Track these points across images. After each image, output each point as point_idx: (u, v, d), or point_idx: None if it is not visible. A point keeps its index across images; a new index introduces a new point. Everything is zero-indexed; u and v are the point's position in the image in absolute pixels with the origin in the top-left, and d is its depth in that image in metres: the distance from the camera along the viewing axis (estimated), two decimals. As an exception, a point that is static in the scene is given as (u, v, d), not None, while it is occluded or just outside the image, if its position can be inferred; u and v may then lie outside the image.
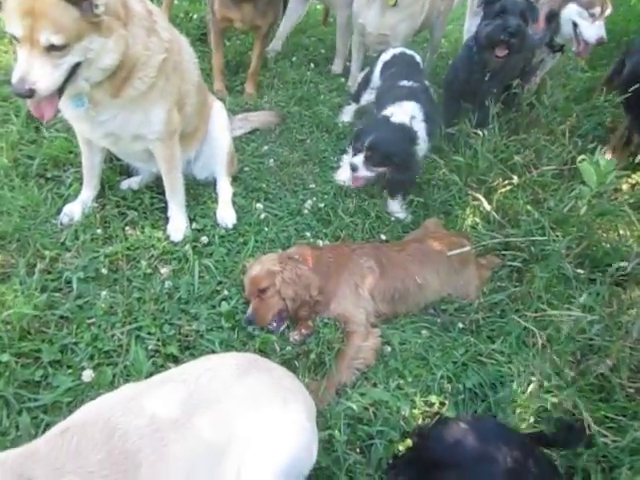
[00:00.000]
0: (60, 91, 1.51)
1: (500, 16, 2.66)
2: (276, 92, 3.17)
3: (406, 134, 2.40)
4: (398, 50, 2.97)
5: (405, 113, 2.46)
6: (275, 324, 1.80)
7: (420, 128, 2.49)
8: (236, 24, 2.88)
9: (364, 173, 2.36)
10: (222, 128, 2.25)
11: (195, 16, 3.63)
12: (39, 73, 1.40)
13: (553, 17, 3.36)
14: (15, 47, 1.45)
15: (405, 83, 2.66)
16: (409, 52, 2.98)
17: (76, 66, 1.49)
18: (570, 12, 3.08)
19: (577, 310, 1.91)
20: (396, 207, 2.56)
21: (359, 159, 2.33)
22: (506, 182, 2.55)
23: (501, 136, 2.82)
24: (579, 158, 2.39)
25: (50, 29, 1.37)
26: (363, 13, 3.12)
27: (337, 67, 3.73)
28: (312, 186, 2.51)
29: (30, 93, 1.41)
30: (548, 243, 2.34)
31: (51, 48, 1.39)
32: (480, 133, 2.71)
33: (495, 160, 2.69)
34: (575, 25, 3.11)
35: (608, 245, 2.46)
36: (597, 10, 3.04)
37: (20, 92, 1.41)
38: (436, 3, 3.49)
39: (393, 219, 2.48)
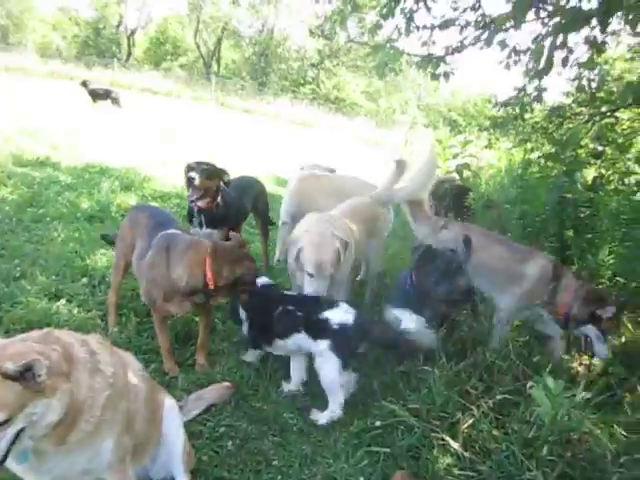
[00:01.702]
0: (4, 456, 1.47)
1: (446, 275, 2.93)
2: (227, 357, 3.23)
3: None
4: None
5: None
6: None
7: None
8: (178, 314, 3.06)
9: None
10: (176, 427, 2.20)
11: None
12: None
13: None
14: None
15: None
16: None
17: (20, 430, 1.47)
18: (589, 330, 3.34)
19: None
20: None
21: None
22: (467, 415, 2.58)
23: (450, 365, 2.92)
24: (529, 384, 2.48)
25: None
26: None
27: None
28: (275, 462, 2.44)
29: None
30: (523, 473, 2.31)
31: (-7, 423, 1.38)
32: (430, 369, 2.82)
33: (451, 393, 2.74)
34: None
35: (585, 463, 2.43)
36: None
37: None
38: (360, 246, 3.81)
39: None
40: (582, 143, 5.60)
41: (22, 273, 3.78)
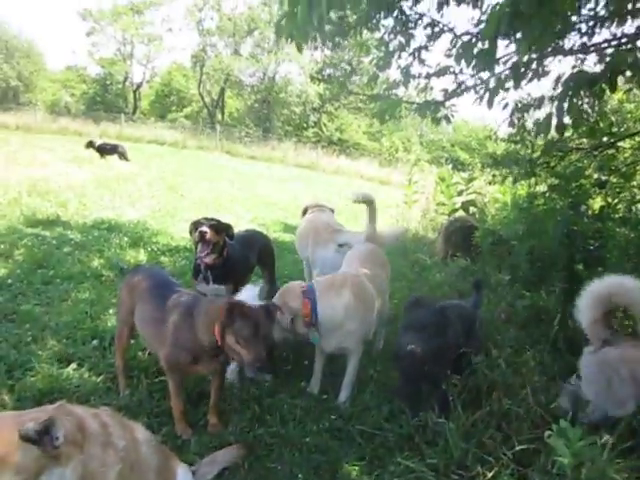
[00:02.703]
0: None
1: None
2: (240, 416, 3.19)
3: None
4: None
5: None
6: None
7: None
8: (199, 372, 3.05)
9: None
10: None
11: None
12: None
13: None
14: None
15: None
16: None
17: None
18: None
19: None
20: None
21: None
22: (486, 468, 2.52)
23: (466, 416, 2.87)
24: (546, 434, 2.42)
25: (10, 473, 1.39)
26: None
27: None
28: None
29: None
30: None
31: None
32: (445, 421, 2.77)
33: (469, 445, 2.68)
34: None
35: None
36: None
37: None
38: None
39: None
40: (586, 173, 5.61)
41: (33, 338, 3.79)
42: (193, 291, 3.47)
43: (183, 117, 40.97)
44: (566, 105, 3.37)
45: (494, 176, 6.10)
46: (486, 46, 2.89)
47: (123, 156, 15.67)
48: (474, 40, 3.16)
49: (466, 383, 3.18)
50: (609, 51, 3.69)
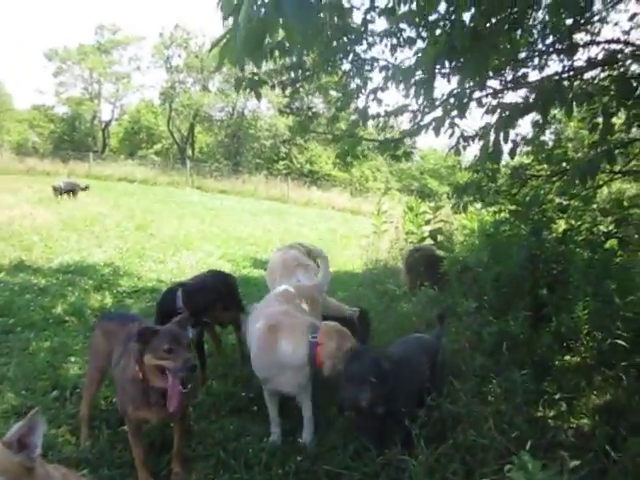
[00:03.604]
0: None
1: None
2: (204, 462, 3.13)
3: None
4: None
5: None
6: None
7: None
8: (154, 421, 2.96)
9: None
10: None
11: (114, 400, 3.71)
12: None
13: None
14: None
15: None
16: None
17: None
18: None
19: None
20: None
21: None
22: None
23: (430, 450, 2.87)
24: (506, 468, 2.44)
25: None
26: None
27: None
28: None
29: None
30: None
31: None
32: (408, 458, 2.76)
33: (434, 481, 2.68)
34: None
35: None
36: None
37: None
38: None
39: None
40: (548, 198, 5.76)
41: (-10, 392, 3.69)
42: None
43: (153, 154, 40.92)
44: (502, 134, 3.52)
45: (454, 205, 6.19)
46: (425, 75, 3.01)
47: (74, 194, 15.41)
48: (413, 69, 3.29)
49: (430, 417, 3.19)
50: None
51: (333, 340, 3.16)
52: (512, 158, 4.41)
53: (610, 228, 4.99)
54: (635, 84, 3.30)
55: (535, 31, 4.57)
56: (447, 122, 3.83)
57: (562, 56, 4.56)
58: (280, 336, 3.24)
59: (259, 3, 1.75)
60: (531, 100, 3.66)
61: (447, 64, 2.89)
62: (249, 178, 30.00)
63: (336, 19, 4.39)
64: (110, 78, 41.98)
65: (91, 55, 40.13)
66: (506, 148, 3.91)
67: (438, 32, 2.95)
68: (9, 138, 40.41)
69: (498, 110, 3.77)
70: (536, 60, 4.60)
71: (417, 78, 3.14)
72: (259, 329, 3.36)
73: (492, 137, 3.87)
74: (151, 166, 30.88)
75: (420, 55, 2.89)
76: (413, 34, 4.39)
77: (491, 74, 4.33)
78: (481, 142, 4.06)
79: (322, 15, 4.42)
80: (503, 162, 5.86)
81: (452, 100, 3.63)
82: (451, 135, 4.26)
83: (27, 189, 16.85)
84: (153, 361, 2.68)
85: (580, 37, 5.01)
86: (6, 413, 3.42)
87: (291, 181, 29.03)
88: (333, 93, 5.28)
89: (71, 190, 15.29)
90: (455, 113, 3.65)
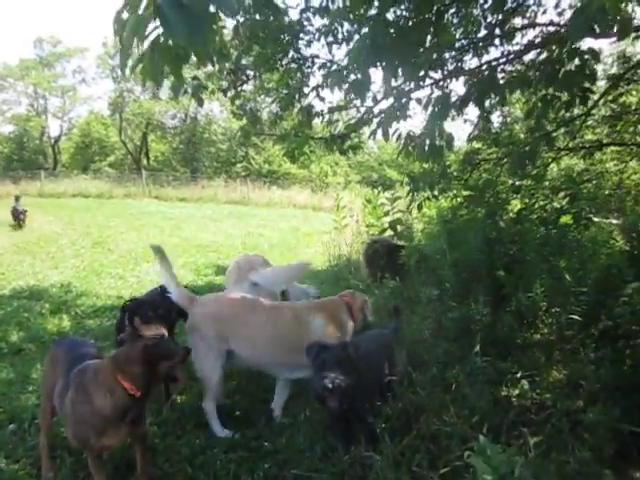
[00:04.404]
0: None
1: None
2: (172, 478, 3.09)
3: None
4: None
5: None
6: None
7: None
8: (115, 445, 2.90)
9: None
10: None
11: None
12: None
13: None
14: None
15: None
16: None
17: None
18: None
19: None
20: None
21: None
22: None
23: (394, 444, 2.90)
24: (465, 454, 2.48)
25: None
26: None
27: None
28: None
29: None
30: None
31: None
32: (372, 454, 2.79)
33: (399, 474, 2.71)
34: None
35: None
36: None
37: None
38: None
39: None
40: (500, 180, 5.86)
41: (-57, 430, 3.55)
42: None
43: (107, 166, 40.01)
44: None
45: (410, 204, 6.21)
46: (359, 76, 3.03)
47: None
48: (346, 72, 3.30)
49: (393, 409, 3.23)
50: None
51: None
52: (449, 150, 4.47)
53: (563, 204, 5.10)
54: (558, 67, 3.39)
55: (473, 19, 4.65)
56: (393, 124, 3.86)
57: (502, 41, 4.65)
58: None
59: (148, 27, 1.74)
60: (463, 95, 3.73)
61: (378, 63, 2.90)
62: (208, 183, 29.64)
63: (272, 18, 4.37)
64: (56, 92, 40.82)
65: (33, 70, 38.93)
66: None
67: (364, 30, 2.97)
68: (-46, 160, 39.01)
69: (431, 105, 3.81)
70: (476, 47, 4.68)
71: (352, 78, 3.15)
72: None
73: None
74: (106, 179, 30.20)
75: (350, 55, 2.91)
76: (350, 31, 4.42)
77: (431, 66, 4.40)
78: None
79: (258, 17, 4.41)
80: (455, 148, 5.94)
81: (392, 101, 3.66)
82: (398, 138, 4.28)
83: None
84: (169, 365, 2.83)
85: (517, 22, 5.13)
86: (-38, 451, 3.30)
87: (251, 183, 28.86)
88: (274, 93, 5.26)
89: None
90: (398, 114, 3.68)
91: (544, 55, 4.26)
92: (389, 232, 9.77)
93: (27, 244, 11.25)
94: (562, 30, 4.25)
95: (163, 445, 3.41)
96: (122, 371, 2.72)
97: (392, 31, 2.87)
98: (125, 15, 1.83)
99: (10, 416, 3.76)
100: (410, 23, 3.03)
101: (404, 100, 3.56)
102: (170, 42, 1.82)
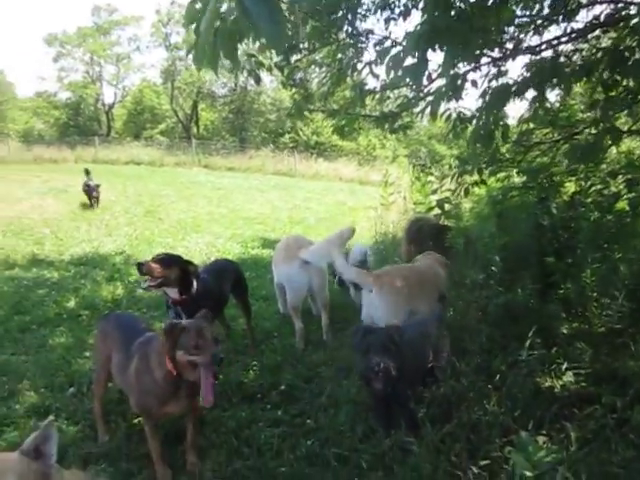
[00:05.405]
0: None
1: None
2: (217, 451, 3.24)
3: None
4: None
5: None
6: None
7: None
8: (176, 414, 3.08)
9: None
10: None
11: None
12: None
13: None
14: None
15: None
16: None
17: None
18: None
19: None
20: None
21: None
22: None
23: (435, 431, 2.94)
24: (506, 450, 2.49)
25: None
26: None
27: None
28: None
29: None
30: None
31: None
32: (413, 440, 2.84)
33: (438, 462, 2.75)
34: None
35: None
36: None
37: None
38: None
39: None
40: (555, 162, 5.64)
41: (10, 391, 3.82)
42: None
43: (158, 134, 40.79)
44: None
45: (454, 176, 6.06)
46: (415, 60, 2.96)
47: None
48: (402, 54, 3.23)
49: (435, 396, 3.26)
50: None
51: None
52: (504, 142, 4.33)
53: (620, 188, 4.90)
54: (627, 53, 3.22)
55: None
56: (443, 105, 3.77)
57: (565, 17, 4.42)
58: None
59: (225, 11, 1.75)
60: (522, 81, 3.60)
61: (437, 47, 2.84)
62: (256, 153, 29.84)
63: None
64: (111, 60, 41.69)
65: (90, 38, 39.78)
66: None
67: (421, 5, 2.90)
68: (15, 127, 40.53)
69: (489, 93, 3.70)
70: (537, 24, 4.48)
71: (409, 62, 3.09)
72: None
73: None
74: (157, 147, 30.84)
75: (408, 39, 2.85)
76: (406, 5, 4.31)
77: (488, 44, 4.24)
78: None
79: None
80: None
81: (445, 82, 3.57)
82: (447, 118, 4.19)
83: (36, 179, 16.96)
84: (185, 357, 2.78)
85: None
86: (27, 412, 3.55)
87: (298, 154, 28.84)
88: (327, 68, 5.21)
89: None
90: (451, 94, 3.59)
91: (610, 35, 4.04)
92: (436, 210, 9.62)
93: (83, 211, 11.71)
94: (632, 7, 4.02)
95: (210, 417, 3.57)
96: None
97: (453, 14, 2.80)
98: (199, 5, 1.85)
99: (70, 379, 4.00)
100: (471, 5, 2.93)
101: (459, 82, 3.47)
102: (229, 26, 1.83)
